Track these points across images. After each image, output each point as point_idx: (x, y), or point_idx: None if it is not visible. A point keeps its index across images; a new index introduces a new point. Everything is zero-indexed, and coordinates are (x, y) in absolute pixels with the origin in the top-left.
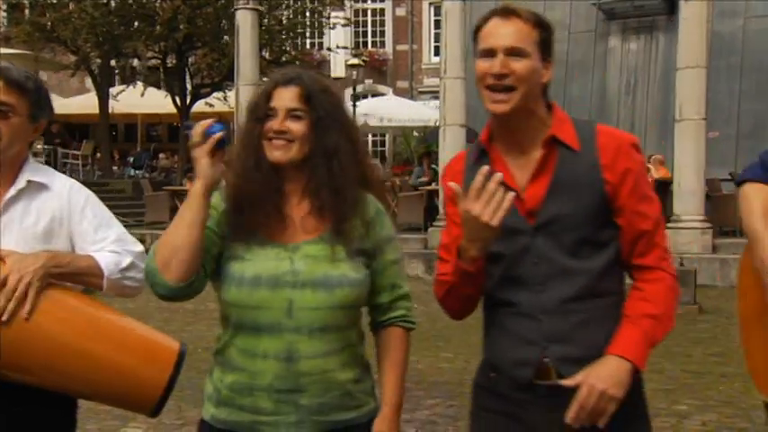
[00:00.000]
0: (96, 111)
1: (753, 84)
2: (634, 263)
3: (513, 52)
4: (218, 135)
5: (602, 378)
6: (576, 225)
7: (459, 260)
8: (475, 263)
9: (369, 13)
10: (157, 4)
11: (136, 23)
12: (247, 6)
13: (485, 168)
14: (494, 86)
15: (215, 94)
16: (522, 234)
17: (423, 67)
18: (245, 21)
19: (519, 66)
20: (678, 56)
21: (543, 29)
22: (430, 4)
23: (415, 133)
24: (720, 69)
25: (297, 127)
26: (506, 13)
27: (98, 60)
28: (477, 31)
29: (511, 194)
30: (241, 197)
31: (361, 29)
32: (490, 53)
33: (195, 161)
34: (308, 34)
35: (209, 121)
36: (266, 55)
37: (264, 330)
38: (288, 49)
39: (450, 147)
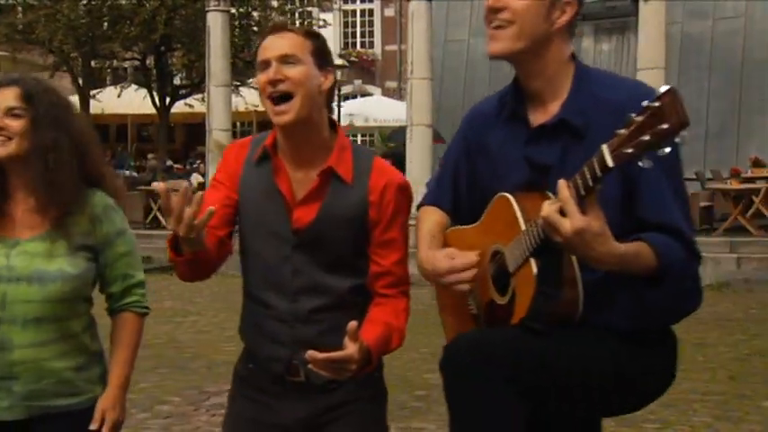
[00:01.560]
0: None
1: (721, 84)
2: (376, 290)
3: (285, 60)
4: None
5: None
6: (337, 249)
7: (170, 249)
8: (185, 256)
9: (357, 13)
10: (136, 4)
11: (115, 25)
12: (218, 8)
13: (183, 187)
14: (272, 94)
15: (194, 95)
16: (285, 243)
17: None
18: (215, 22)
19: (293, 71)
20: (638, 57)
21: (315, 38)
22: None
23: None
24: (690, 69)
25: (14, 124)
26: (277, 28)
27: (79, 61)
28: (257, 52)
29: (204, 207)
30: None
31: (350, 29)
32: (266, 64)
33: None
34: None
35: None
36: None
37: None
38: None
39: (417, 147)
